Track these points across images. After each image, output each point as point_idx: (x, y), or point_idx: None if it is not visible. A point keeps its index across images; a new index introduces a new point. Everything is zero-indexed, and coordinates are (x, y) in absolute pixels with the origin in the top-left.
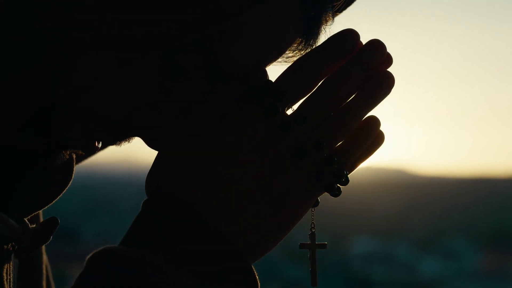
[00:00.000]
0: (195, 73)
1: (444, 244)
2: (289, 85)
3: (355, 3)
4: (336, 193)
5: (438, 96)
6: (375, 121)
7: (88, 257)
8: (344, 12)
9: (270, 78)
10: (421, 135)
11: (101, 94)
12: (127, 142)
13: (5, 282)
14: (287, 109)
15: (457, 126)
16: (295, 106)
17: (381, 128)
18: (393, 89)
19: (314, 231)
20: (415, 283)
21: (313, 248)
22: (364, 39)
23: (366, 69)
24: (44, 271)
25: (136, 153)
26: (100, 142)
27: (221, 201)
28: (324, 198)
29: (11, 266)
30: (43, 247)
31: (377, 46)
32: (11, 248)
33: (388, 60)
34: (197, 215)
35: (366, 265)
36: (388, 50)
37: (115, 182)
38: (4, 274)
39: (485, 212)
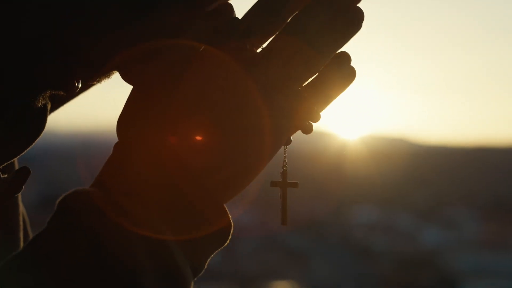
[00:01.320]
0: (171, 10)
1: (445, 213)
2: (256, 22)
3: None
4: (307, 129)
5: (439, 65)
6: (346, 57)
7: (58, 200)
8: None
9: (237, 16)
10: (422, 104)
11: (83, 30)
12: (107, 78)
13: None
14: (256, 47)
15: (459, 95)
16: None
17: (353, 64)
18: (396, 58)
19: (285, 169)
20: (416, 253)
21: (284, 186)
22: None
23: (335, 5)
24: (21, 222)
25: None
26: (80, 82)
27: (189, 140)
28: (324, 162)
29: None
30: (19, 196)
31: None
32: None
33: None
34: (167, 155)
35: (368, 234)
36: (389, 18)
37: None
38: None
39: (486, 182)
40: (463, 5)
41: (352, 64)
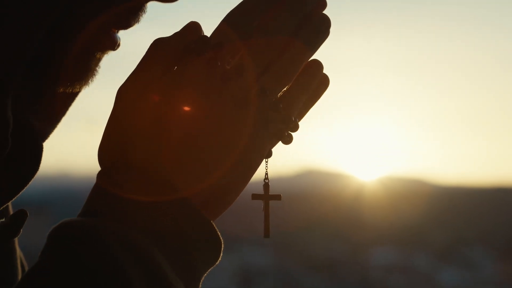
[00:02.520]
0: None
1: (463, 254)
2: (225, 37)
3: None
4: (286, 139)
5: (457, 105)
6: (317, 65)
7: (47, 233)
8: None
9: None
10: (439, 144)
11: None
12: (142, 15)
13: None
14: (228, 62)
15: (476, 135)
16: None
17: (325, 72)
18: (413, 98)
19: (267, 182)
20: None
21: (266, 199)
22: (385, 39)
23: (301, 14)
24: (19, 266)
25: None
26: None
27: (170, 161)
28: (342, 204)
29: None
30: (16, 241)
31: None
32: None
33: (322, 2)
34: (151, 178)
35: (385, 275)
36: (403, 55)
37: None
38: None
39: (504, 222)
40: (482, 44)
41: (324, 71)
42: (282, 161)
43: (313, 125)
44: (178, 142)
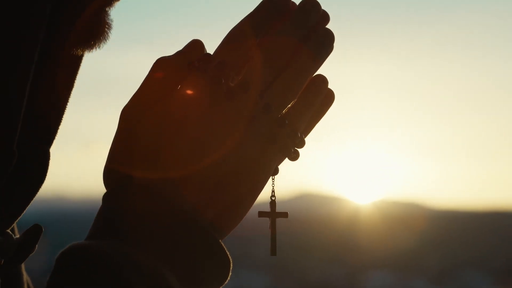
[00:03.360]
0: None
1: (459, 278)
2: (228, 54)
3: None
4: (293, 156)
5: (451, 129)
6: (322, 80)
7: (56, 257)
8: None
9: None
10: (434, 168)
11: None
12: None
13: None
14: (232, 79)
15: (471, 159)
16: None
17: (330, 87)
18: (409, 121)
19: (274, 199)
20: None
21: (273, 216)
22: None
23: (304, 29)
24: None
25: None
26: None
27: (177, 180)
28: (336, 229)
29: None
30: (22, 265)
31: (312, 4)
32: None
33: (325, 17)
34: (158, 198)
35: None
36: (399, 79)
37: None
38: None
39: (500, 246)
40: (477, 70)
41: (329, 86)
42: (278, 184)
43: (309, 148)
44: (185, 161)
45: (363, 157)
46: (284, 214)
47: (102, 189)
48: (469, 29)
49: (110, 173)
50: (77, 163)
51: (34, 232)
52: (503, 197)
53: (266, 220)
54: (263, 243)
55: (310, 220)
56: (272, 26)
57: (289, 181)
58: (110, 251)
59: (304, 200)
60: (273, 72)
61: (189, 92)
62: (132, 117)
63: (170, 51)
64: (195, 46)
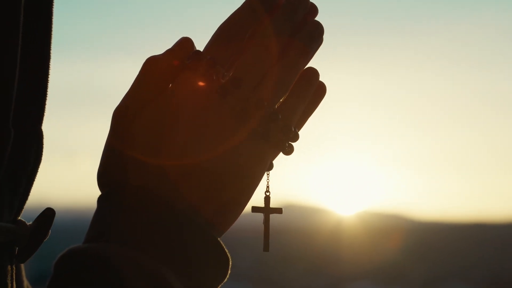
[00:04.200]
0: None
1: None
2: (218, 50)
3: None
4: (287, 150)
5: (434, 141)
6: (313, 72)
7: (54, 262)
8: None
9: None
10: (417, 180)
11: None
12: None
13: None
14: (223, 75)
15: (454, 172)
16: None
17: (322, 80)
18: (392, 133)
19: (268, 195)
20: None
21: (267, 212)
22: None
23: (293, 22)
24: None
25: None
26: None
27: (172, 179)
28: (319, 240)
29: (14, 272)
30: (23, 272)
31: None
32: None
33: (313, 9)
34: (154, 198)
35: None
36: (384, 90)
37: None
38: (8, 281)
39: (483, 258)
40: (459, 83)
41: (320, 79)
42: (260, 195)
43: (292, 159)
44: (180, 160)
45: (347, 168)
46: (279, 210)
47: (86, 199)
48: (455, 42)
49: (105, 175)
50: (61, 173)
51: (47, 217)
52: (485, 209)
53: (249, 232)
54: (247, 253)
55: (293, 231)
56: (261, 21)
57: (272, 192)
58: (109, 253)
59: (287, 211)
60: (263, 67)
61: (181, 90)
62: (125, 117)
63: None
64: (185, 44)
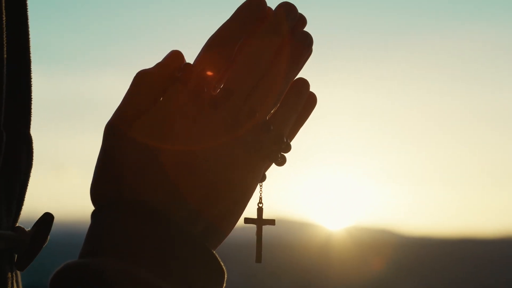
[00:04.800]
0: None
1: None
2: (208, 62)
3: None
4: (280, 161)
5: (423, 156)
6: (303, 83)
7: (50, 277)
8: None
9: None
10: (406, 195)
11: None
12: None
13: None
14: (214, 87)
15: (442, 187)
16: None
17: (312, 90)
18: (381, 148)
19: (261, 206)
20: None
21: (259, 223)
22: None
23: (282, 33)
24: None
25: None
26: None
27: (166, 192)
28: (308, 254)
29: (14, 280)
30: (20, 282)
31: (288, 9)
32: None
33: (302, 20)
34: (149, 212)
35: None
36: (372, 104)
37: None
38: (9, 287)
39: (471, 273)
40: (446, 96)
41: (311, 89)
42: (250, 210)
43: (281, 173)
44: (172, 173)
45: (335, 183)
46: (271, 222)
47: (73, 213)
48: (443, 55)
49: (98, 190)
50: (48, 186)
51: (45, 222)
52: (474, 224)
53: (238, 246)
54: (235, 267)
55: (282, 246)
56: (251, 32)
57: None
58: (106, 268)
59: (276, 226)
60: (254, 78)
61: (172, 103)
62: (117, 132)
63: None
64: (175, 57)
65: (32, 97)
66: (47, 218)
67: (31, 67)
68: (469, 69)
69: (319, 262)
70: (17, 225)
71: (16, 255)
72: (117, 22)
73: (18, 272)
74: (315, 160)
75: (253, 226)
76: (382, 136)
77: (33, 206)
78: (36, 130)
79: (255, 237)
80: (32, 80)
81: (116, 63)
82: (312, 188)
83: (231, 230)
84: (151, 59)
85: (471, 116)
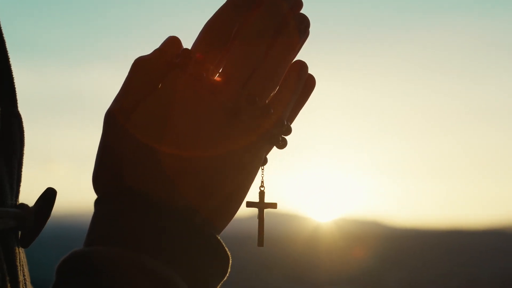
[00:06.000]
0: None
1: None
2: (206, 48)
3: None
4: (281, 144)
5: (412, 148)
6: (302, 65)
7: (57, 265)
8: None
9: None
10: (394, 187)
11: None
12: None
13: (19, 273)
14: (213, 72)
15: (430, 179)
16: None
17: (312, 76)
18: (370, 141)
19: (263, 190)
20: None
21: (261, 207)
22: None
23: (279, 16)
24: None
25: None
26: None
27: (169, 178)
28: (296, 246)
29: (20, 256)
30: (25, 258)
31: None
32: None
33: (298, 3)
34: (152, 199)
35: None
36: (360, 98)
37: None
38: (18, 264)
39: (459, 264)
40: (436, 90)
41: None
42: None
43: (270, 166)
44: (173, 161)
45: (324, 175)
46: (273, 205)
47: (61, 206)
48: (433, 49)
49: (100, 178)
50: (36, 180)
51: (48, 197)
52: (462, 216)
53: (227, 239)
54: None
55: (271, 238)
56: (247, 16)
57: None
58: (114, 256)
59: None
60: (252, 62)
61: (171, 89)
62: (117, 119)
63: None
64: (172, 42)
65: (13, 75)
66: (50, 193)
67: (6, 46)
68: (456, 63)
69: (307, 254)
70: (19, 202)
71: (19, 232)
72: (107, 14)
73: (22, 249)
74: (304, 152)
75: (240, 221)
76: (371, 129)
77: (21, 199)
78: (25, 124)
79: (243, 230)
80: (9, 56)
81: (105, 57)
82: (301, 181)
83: (234, 215)
84: (141, 52)
85: (459, 110)
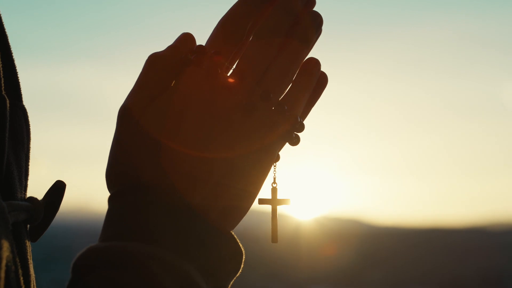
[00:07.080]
0: None
1: None
2: (220, 44)
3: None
4: (294, 140)
5: (391, 146)
6: (314, 62)
7: (73, 261)
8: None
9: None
10: (375, 185)
11: None
12: None
13: (30, 266)
14: (227, 68)
15: (411, 176)
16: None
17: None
18: (350, 138)
19: (275, 186)
20: None
21: (274, 204)
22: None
23: (292, 14)
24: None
25: (91, 202)
26: None
27: (184, 174)
28: (277, 244)
29: (30, 250)
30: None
31: None
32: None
33: (311, 1)
34: (168, 196)
35: None
36: (341, 94)
37: (70, 231)
38: (28, 257)
39: (440, 262)
40: (418, 88)
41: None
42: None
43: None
44: (188, 157)
45: (305, 173)
46: (286, 201)
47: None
48: (416, 46)
49: (114, 174)
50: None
51: (58, 190)
52: (443, 214)
53: None
54: None
55: (251, 236)
56: (262, 12)
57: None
58: (132, 250)
59: (244, 217)
60: (266, 60)
61: (186, 85)
62: (132, 115)
63: (121, 67)
64: (186, 39)
65: (17, 70)
66: (59, 186)
67: (9, 41)
68: (439, 61)
69: (288, 252)
70: (28, 195)
71: (28, 226)
72: (94, 13)
73: (29, 243)
74: (284, 150)
75: None
76: (352, 127)
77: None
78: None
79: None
80: (12, 53)
81: (92, 55)
82: (281, 178)
83: (247, 211)
84: (124, 50)
85: (440, 108)
